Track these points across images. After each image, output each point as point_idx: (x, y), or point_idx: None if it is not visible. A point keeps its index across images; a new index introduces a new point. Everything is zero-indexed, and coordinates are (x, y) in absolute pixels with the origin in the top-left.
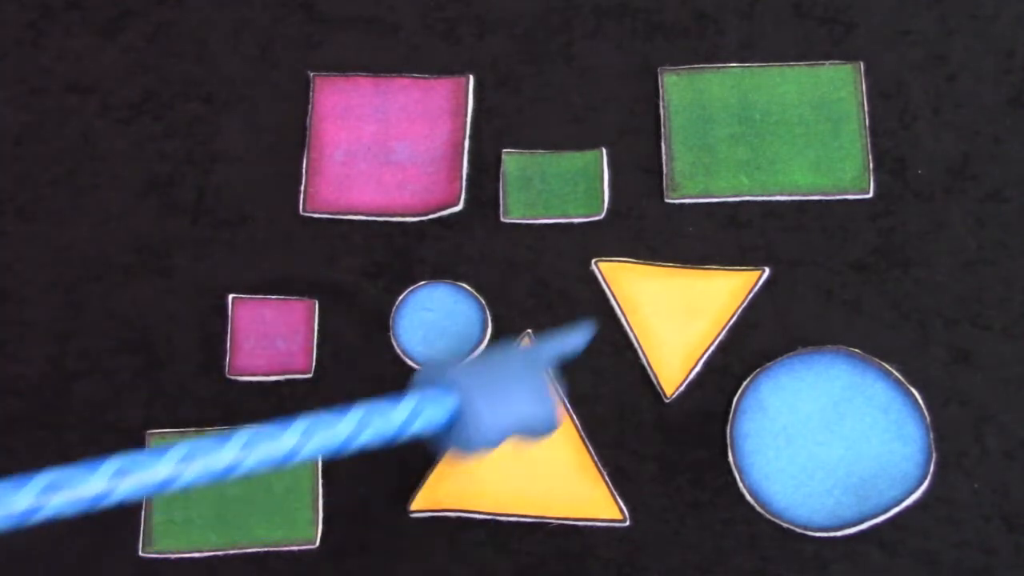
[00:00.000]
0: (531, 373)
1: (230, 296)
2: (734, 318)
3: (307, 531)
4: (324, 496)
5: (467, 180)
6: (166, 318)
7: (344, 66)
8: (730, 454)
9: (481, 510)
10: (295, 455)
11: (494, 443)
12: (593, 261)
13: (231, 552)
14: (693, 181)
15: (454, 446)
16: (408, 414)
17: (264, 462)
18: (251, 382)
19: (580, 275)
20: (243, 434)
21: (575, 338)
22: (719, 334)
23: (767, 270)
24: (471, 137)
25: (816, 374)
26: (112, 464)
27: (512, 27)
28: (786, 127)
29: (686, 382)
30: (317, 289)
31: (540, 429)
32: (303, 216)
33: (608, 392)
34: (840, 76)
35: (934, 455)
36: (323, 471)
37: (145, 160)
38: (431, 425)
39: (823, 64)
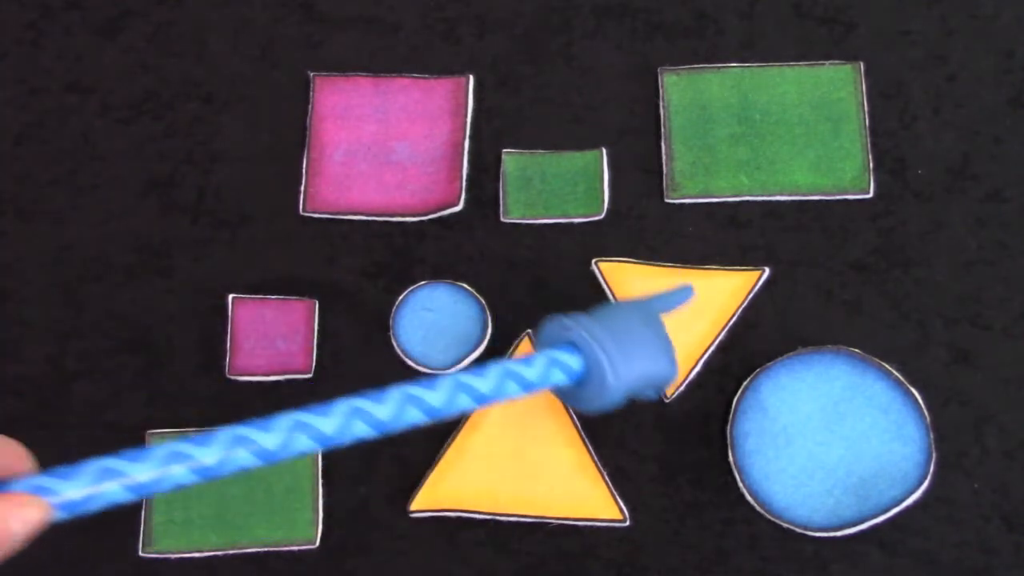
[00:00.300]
0: (652, 326)
1: (230, 296)
2: (734, 318)
3: (307, 531)
4: (324, 496)
5: (467, 180)
6: (166, 318)
7: (344, 66)
8: (730, 454)
9: (481, 510)
10: (445, 411)
11: (621, 399)
12: (593, 261)
13: (231, 552)
14: (693, 181)
15: (580, 402)
16: (542, 372)
17: (418, 419)
18: (251, 382)
19: (580, 275)
20: (397, 392)
21: (681, 293)
22: (719, 334)
23: (767, 270)
24: (471, 137)
25: (816, 374)
26: (286, 420)
27: (512, 27)
28: (786, 127)
29: (686, 382)
30: (317, 289)
31: (664, 381)
32: (303, 216)
33: None
34: (840, 76)
35: (934, 455)
36: (323, 471)
37: (145, 160)
38: (561, 381)
39: (823, 64)
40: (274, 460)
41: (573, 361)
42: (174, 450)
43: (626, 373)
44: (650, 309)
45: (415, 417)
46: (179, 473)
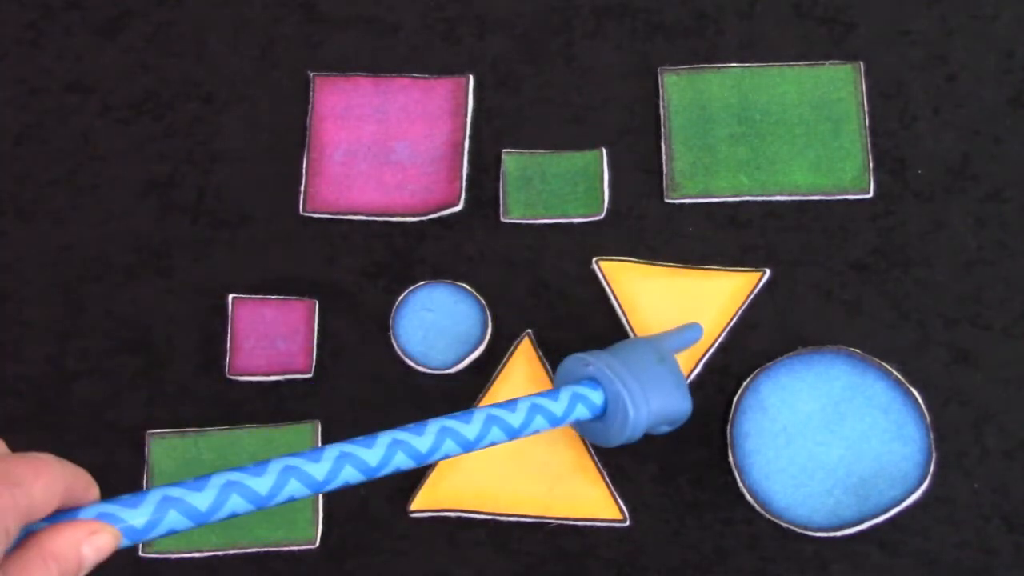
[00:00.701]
0: (667, 364)
1: (230, 296)
2: (734, 318)
3: (307, 531)
4: (324, 496)
5: (467, 180)
6: (166, 318)
7: (344, 66)
8: (730, 454)
9: (481, 510)
10: (479, 444)
11: (639, 434)
12: (594, 260)
13: (231, 552)
14: (693, 181)
15: (599, 437)
16: (567, 406)
17: (453, 451)
18: (251, 382)
19: (580, 275)
20: (435, 425)
21: (691, 332)
22: (719, 335)
23: (767, 271)
24: (471, 137)
25: (816, 374)
26: (333, 450)
27: (512, 27)
28: (786, 127)
29: (686, 382)
30: (317, 289)
31: (679, 417)
32: (303, 216)
33: None
34: (840, 76)
35: (934, 455)
36: None
37: (145, 160)
38: (583, 416)
39: (823, 64)
40: (321, 490)
41: (595, 396)
42: (230, 479)
43: (646, 408)
44: (663, 347)
45: (451, 449)
46: (236, 503)
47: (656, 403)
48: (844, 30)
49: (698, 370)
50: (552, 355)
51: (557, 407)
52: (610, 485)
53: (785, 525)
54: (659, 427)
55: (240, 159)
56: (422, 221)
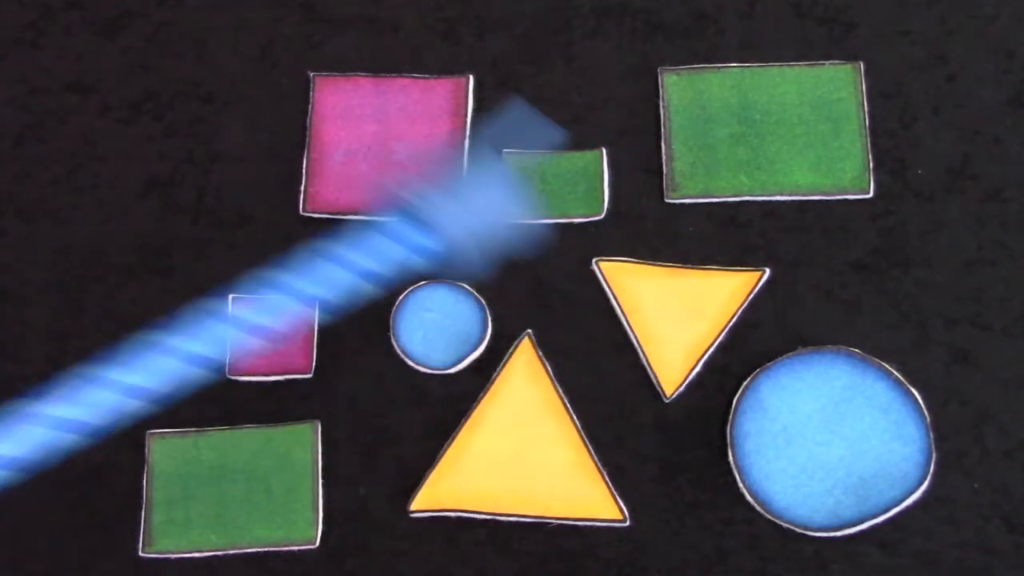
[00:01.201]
0: (488, 163)
1: (230, 296)
2: (734, 318)
3: (307, 531)
4: (324, 496)
5: None
6: (166, 318)
7: (344, 66)
8: (730, 454)
9: (481, 510)
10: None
11: (482, 238)
12: (594, 261)
13: (231, 552)
14: (693, 181)
15: (457, 262)
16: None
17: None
18: (251, 382)
19: (580, 275)
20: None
21: (515, 111)
22: (719, 334)
23: (767, 271)
24: (471, 137)
25: (816, 374)
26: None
27: (512, 27)
28: (786, 127)
29: (686, 382)
30: None
31: (518, 211)
32: (303, 216)
33: (608, 392)
34: (840, 76)
35: (934, 455)
36: (323, 471)
37: (145, 160)
38: (421, 255)
39: (823, 64)
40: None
41: (413, 237)
42: None
43: (461, 216)
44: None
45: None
46: None
47: (478, 193)
48: (844, 30)
49: (698, 369)
50: (552, 355)
51: (391, 253)
52: (610, 485)
53: (785, 525)
54: (508, 220)
55: (240, 159)
56: None
